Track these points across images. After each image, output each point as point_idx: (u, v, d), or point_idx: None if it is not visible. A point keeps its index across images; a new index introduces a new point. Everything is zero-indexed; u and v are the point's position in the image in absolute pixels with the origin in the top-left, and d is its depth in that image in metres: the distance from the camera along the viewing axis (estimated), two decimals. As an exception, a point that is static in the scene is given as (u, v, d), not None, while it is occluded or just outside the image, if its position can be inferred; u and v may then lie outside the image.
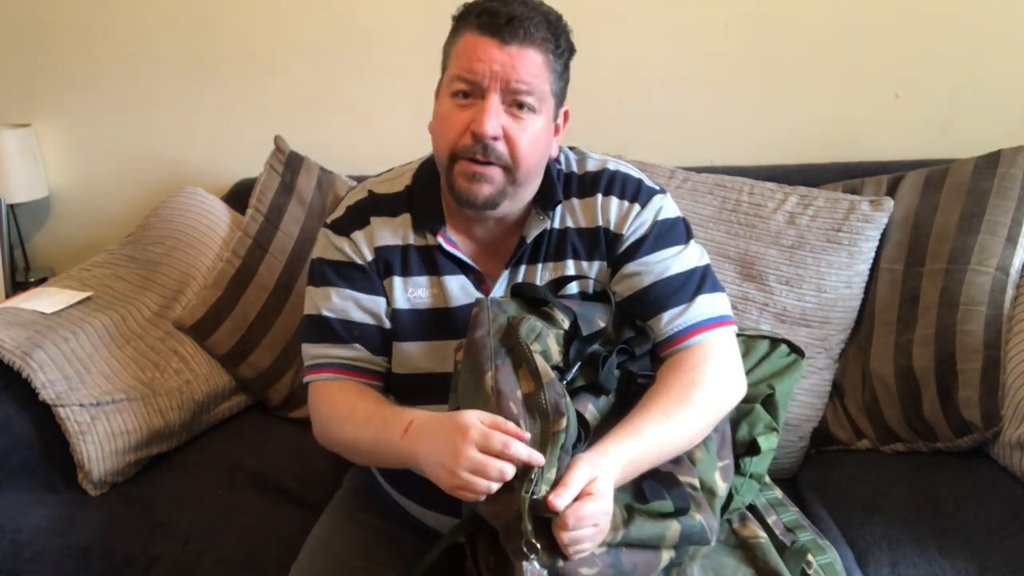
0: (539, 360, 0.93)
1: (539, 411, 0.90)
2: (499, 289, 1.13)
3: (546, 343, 0.99)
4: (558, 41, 1.02)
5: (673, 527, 0.93)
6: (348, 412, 1.08)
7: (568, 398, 0.92)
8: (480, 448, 0.87)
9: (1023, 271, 1.48)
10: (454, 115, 1.02)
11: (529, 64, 0.99)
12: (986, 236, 1.48)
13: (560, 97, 1.07)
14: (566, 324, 1.03)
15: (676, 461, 1.02)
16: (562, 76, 1.05)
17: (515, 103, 1.01)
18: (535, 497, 0.85)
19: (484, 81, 0.99)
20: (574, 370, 0.99)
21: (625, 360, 1.05)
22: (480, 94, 1.01)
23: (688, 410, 1.01)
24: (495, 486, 0.86)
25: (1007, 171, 1.52)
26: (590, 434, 0.96)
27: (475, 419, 0.89)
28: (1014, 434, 1.30)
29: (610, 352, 1.02)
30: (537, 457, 0.87)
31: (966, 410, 1.36)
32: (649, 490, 0.94)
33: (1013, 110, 1.77)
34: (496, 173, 1.03)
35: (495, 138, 1.01)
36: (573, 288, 1.12)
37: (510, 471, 0.86)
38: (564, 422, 0.89)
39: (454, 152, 1.03)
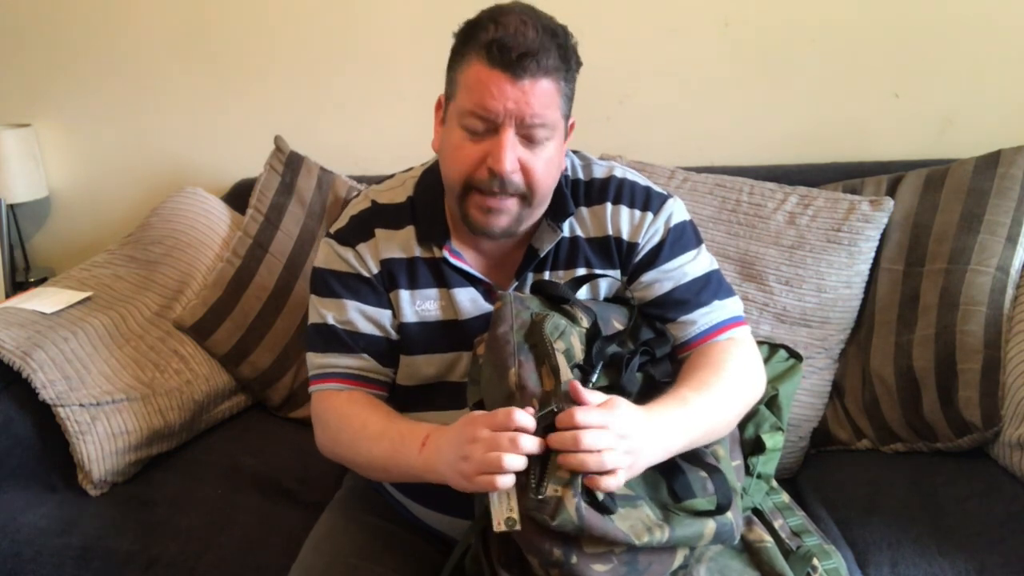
0: (560, 359, 0.93)
1: (556, 410, 0.89)
2: None
3: (569, 341, 0.99)
4: (568, 65, 0.99)
5: (710, 525, 0.93)
6: (360, 427, 1.06)
7: None
8: (489, 427, 0.88)
9: (1023, 271, 1.49)
10: (466, 147, 1.00)
11: (542, 96, 0.97)
12: (986, 236, 1.48)
13: (568, 114, 1.05)
14: (586, 323, 1.03)
15: (713, 457, 1.03)
16: (571, 96, 1.04)
17: (529, 134, 0.99)
18: (541, 497, 0.85)
19: (498, 118, 0.97)
20: (598, 370, 0.99)
21: (646, 362, 1.05)
22: (493, 128, 0.99)
23: (723, 381, 1.03)
24: (513, 460, 0.85)
25: (1007, 171, 1.52)
26: None
27: (481, 412, 0.91)
28: (1014, 434, 1.30)
29: (633, 353, 1.03)
30: (529, 435, 0.87)
31: (966, 410, 1.36)
32: (681, 488, 0.94)
33: (1013, 110, 1.77)
34: (512, 204, 1.02)
35: (512, 172, 1.00)
36: (583, 293, 1.12)
37: (524, 440, 0.86)
38: None
39: (468, 184, 1.02)
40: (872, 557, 1.20)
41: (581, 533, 0.85)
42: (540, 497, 0.85)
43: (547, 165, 1.02)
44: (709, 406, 1.00)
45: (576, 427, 0.85)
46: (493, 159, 0.98)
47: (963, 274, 1.46)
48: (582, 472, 0.85)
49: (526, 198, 1.02)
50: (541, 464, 0.87)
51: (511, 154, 0.98)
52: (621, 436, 0.87)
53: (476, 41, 0.96)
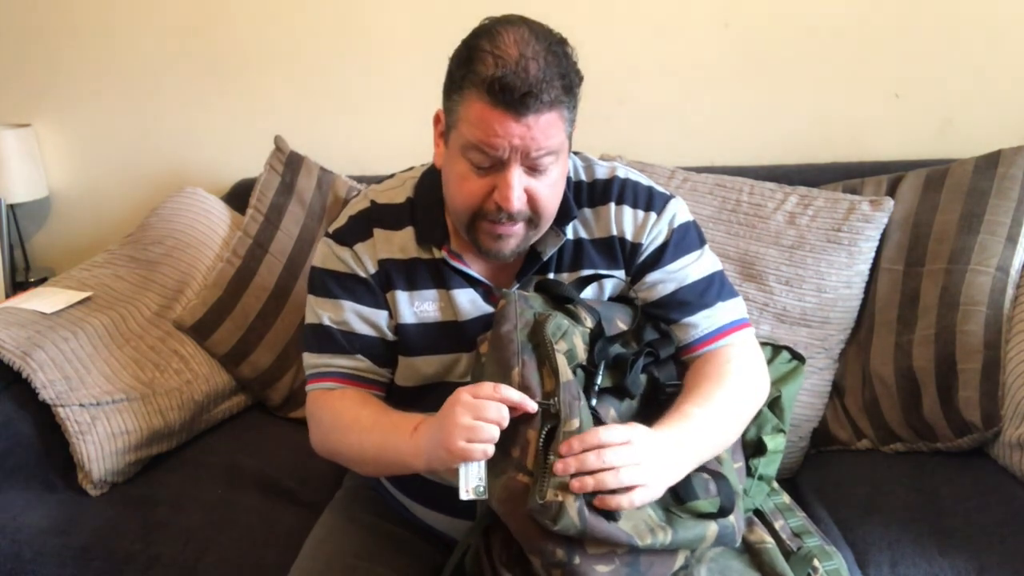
0: (561, 360, 0.93)
1: (552, 411, 0.90)
2: None
3: (572, 341, 0.99)
4: (572, 90, 0.97)
5: (712, 528, 0.93)
6: (352, 420, 1.06)
7: (583, 400, 0.93)
8: (472, 395, 0.90)
9: (1023, 271, 1.49)
10: (472, 181, 0.99)
11: (548, 128, 0.95)
12: (986, 236, 1.48)
13: (572, 130, 1.03)
14: (589, 323, 1.03)
15: (716, 460, 1.03)
16: (575, 114, 1.01)
17: (534, 164, 0.98)
18: (542, 502, 0.85)
19: (504, 154, 0.95)
20: (601, 370, 0.99)
21: (650, 363, 1.05)
22: (499, 162, 0.97)
23: (726, 392, 1.03)
24: (493, 430, 0.88)
25: (1007, 171, 1.52)
26: None
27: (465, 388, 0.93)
28: (1014, 434, 1.30)
29: (637, 354, 1.03)
30: (530, 404, 0.89)
31: (966, 410, 1.36)
32: (683, 489, 0.94)
33: (1013, 110, 1.77)
34: (519, 228, 1.02)
35: (520, 207, 0.99)
36: (589, 292, 1.11)
37: (505, 411, 0.89)
38: (576, 423, 0.89)
39: (476, 215, 1.02)
40: (872, 557, 1.20)
41: (584, 536, 0.85)
42: (541, 502, 0.85)
43: (553, 189, 1.01)
44: (715, 422, 1.01)
45: (601, 446, 0.86)
46: (501, 197, 0.98)
47: (963, 274, 1.46)
48: (600, 491, 0.85)
49: (533, 221, 1.02)
50: (541, 468, 0.87)
51: (519, 191, 0.97)
52: (643, 452, 0.88)
53: (476, 75, 0.93)
